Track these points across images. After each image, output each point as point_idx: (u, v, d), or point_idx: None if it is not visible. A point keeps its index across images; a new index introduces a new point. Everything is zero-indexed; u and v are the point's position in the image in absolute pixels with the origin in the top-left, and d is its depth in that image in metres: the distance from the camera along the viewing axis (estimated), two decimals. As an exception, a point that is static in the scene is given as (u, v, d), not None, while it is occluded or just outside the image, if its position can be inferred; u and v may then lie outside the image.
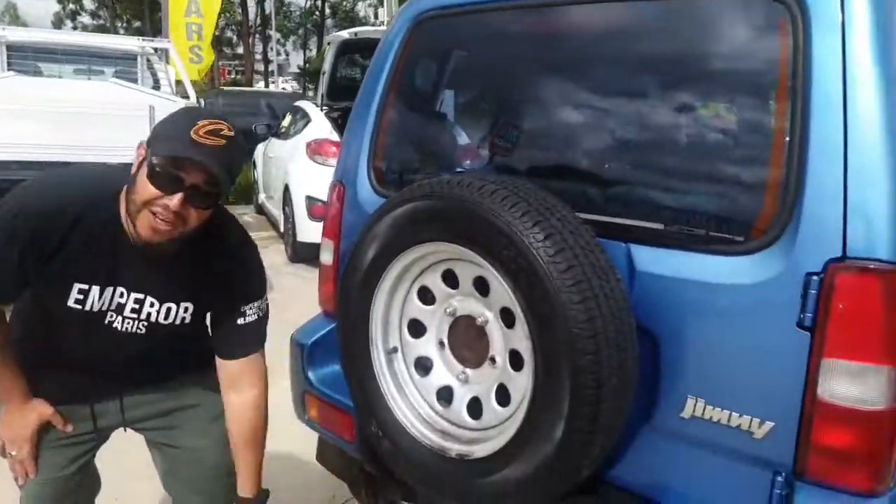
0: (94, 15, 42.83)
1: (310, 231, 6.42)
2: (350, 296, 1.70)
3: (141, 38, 6.55)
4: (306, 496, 2.80)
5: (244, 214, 9.73)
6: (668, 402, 1.43)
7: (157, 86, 6.69)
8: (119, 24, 42.07)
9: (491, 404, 1.54)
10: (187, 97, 6.32)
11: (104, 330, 1.55)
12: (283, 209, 7.13)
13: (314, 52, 42.82)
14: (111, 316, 1.54)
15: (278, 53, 36.72)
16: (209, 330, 1.69)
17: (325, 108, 6.94)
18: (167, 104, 4.86)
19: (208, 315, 1.67)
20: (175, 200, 1.35)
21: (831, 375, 1.23)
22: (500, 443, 1.47)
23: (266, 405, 1.68)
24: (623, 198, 1.58)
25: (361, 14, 45.44)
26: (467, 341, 1.59)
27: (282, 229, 7.45)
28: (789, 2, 1.29)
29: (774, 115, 1.36)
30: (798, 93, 1.26)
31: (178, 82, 6.88)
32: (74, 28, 42.97)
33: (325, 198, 6.92)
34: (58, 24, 42.55)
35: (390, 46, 2.00)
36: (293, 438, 3.20)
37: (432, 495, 1.62)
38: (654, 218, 1.48)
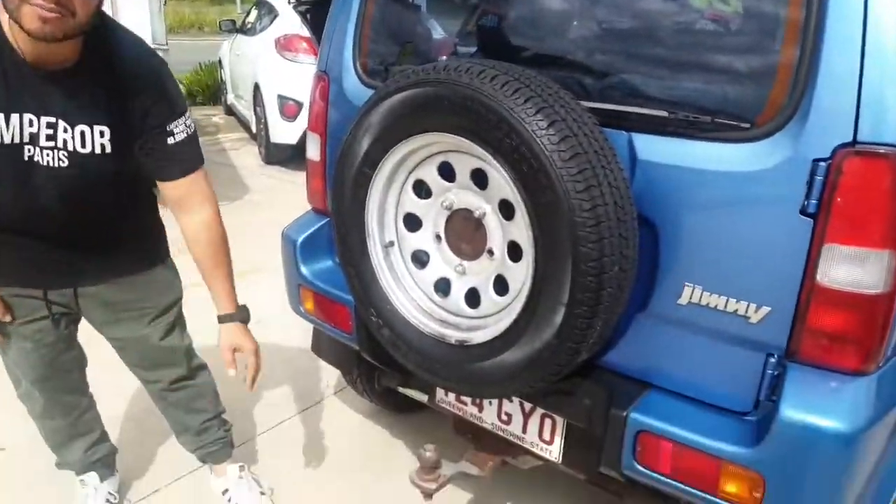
0: None
1: (283, 131, 6.26)
2: (344, 191, 1.66)
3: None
4: (301, 386, 2.86)
5: (213, 116, 9.43)
6: (665, 290, 1.45)
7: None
8: None
9: (489, 294, 1.54)
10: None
11: (28, 168, 1.51)
12: (255, 109, 6.90)
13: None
14: (29, 150, 1.49)
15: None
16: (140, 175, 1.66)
17: (292, 1, 6.60)
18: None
19: (136, 150, 1.60)
20: None
21: (831, 260, 1.24)
22: (499, 329, 1.49)
23: (218, 221, 1.71)
24: (624, 84, 1.53)
25: None
26: (464, 234, 1.57)
27: (254, 130, 7.25)
28: None
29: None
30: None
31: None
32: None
33: (297, 96, 6.71)
34: None
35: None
36: (285, 331, 3.26)
37: (432, 379, 1.65)
38: (656, 105, 1.44)
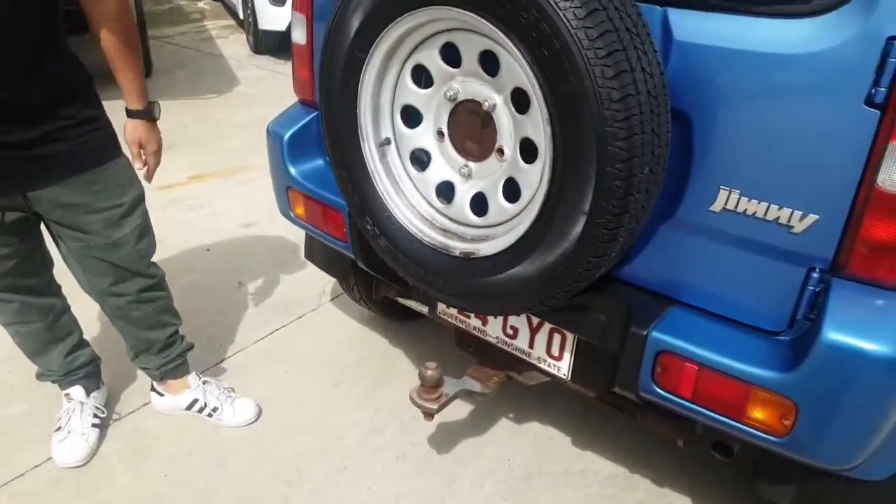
0: None
1: (272, 17, 5.89)
2: (333, 80, 1.46)
3: None
4: (296, 292, 2.74)
5: (199, 1, 8.90)
6: (697, 195, 1.29)
7: None
8: None
9: (497, 200, 1.38)
10: None
11: None
12: (242, -7, 6.46)
13: None
14: None
15: None
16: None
17: None
18: None
19: None
20: None
21: (896, 161, 1.07)
22: (509, 241, 1.34)
23: (128, 14, 1.64)
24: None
25: None
26: (471, 131, 1.39)
27: (241, 16, 6.82)
28: None
29: None
30: None
31: None
32: None
33: (286, -21, 6.19)
34: None
35: None
36: (278, 234, 3.12)
37: (434, 294, 1.52)
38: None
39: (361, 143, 1.50)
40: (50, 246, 1.82)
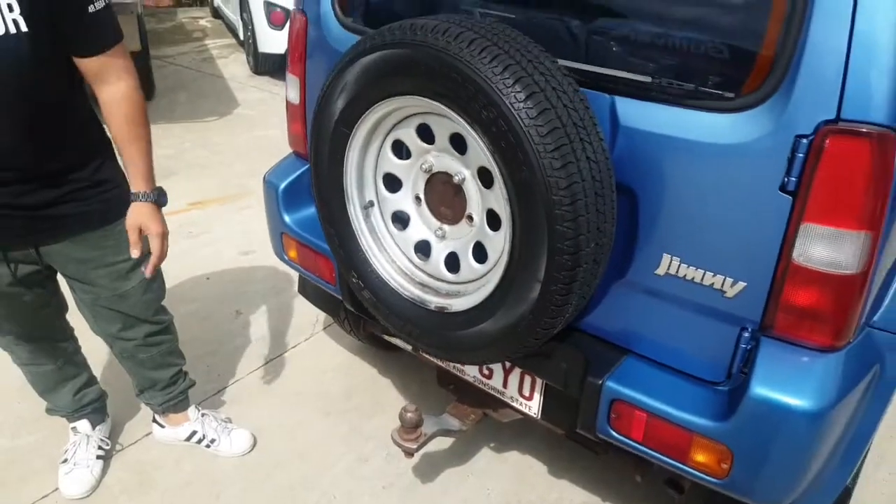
0: None
1: (271, 41, 6.05)
2: (322, 151, 1.62)
3: None
4: (290, 321, 2.90)
5: (200, 19, 9.08)
6: (644, 259, 1.44)
7: None
8: None
9: (468, 260, 1.54)
10: None
11: None
12: (241, 16, 6.63)
13: None
14: None
15: None
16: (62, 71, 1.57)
17: None
18: None
19: (53, 23, 1.49)
20: None
21: (808, 239, 1.23)
22: (478, 298, 1.49)
23: (139, 95, 1.65)
24: (609, 47, 1.46)
25: None
26: (444, 198, 1.55)
27: (241, 37, 6.99)
28: None
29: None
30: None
31: None
32: None
33: (284, 3, 6.46)
34: None
35: None
36: (275, 262, 3.26)
37: (413, 343, 1.67)
38: (641, 70, 1.38)
39: (347, 205, 1.66)
40: (65, 288, 1.96)
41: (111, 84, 1.60)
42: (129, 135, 1.64)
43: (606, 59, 1.46)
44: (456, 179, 1.47)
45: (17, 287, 1.75)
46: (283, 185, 2.10)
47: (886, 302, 1.48)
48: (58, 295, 1.93)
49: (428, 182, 1.56)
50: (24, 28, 1.43)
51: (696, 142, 1.30)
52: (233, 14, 7.23)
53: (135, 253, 1.70)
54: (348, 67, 1.46)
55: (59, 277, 1.89)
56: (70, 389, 2.05)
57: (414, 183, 1.59)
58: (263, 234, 3.09)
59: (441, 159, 1.50)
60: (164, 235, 1.72)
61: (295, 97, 2.04)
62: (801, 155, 1.19)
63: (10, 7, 1.41)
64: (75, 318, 2.04)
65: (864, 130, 1.13)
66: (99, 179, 1.71)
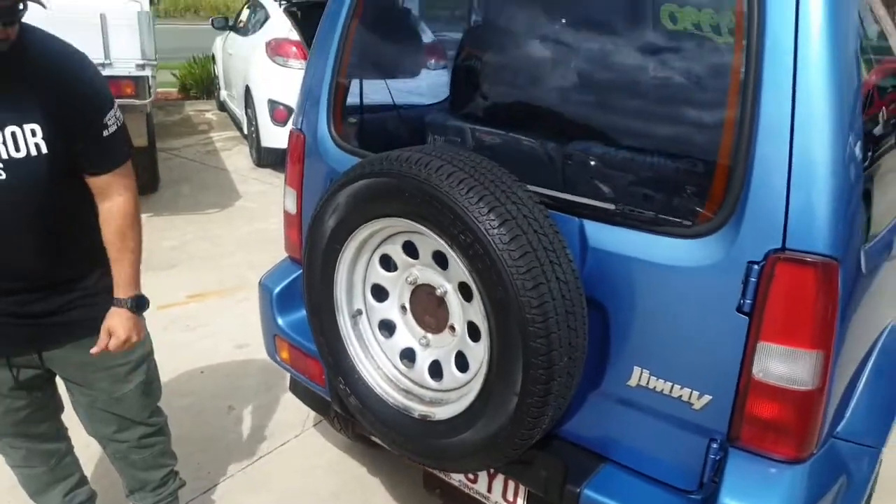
0: None
1: (274, 136, 6.29)
2: (314, 266, 1.72)
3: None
4: (280, 417, 2.94)
5: (206, 112, 9.44)
6: (616, 371, 1.52)
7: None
8: None
9: (451, 369, 1.61)
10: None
11: None
12: (246, 111, 6.92)
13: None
14: None
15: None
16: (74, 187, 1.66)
17: (283, 3, 6.60)
18: (118, 5, 4.51)
19: (70, 146, 1.59)
20: None
21: (766, 357, 1.31)
22: (460, 407, 1.56)
23: (134, 210, 1.73)
24: (576, 175, 1.59)
25: None
26: (428, 308, 1.64)
27: (245, 130, 7.27)
28: None
29: (725, 107, 1.37)
30: (749, 87, 1.26)
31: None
32: None
33: (287, 101, 6.75)
34: None
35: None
36: (267, 356, 3.32)
37: (398, 451, 1.73)
38: (606, 198, 1.50)
39: (337, 314, 1.75)
40: (61, 388, 2.01)
41: (111, 199, 1.70)
42: (119, 245, 1.72)
43: (576, 183, 1.59)
44: (439, 292, 1.57)
45: (18, 391, 1.81)
46: (277, 289, 2.20)
47: (848, 413, 1.55)
48: (55, 397, 1.99)
49: (413, 293, 1.66)
50: (44, 150, 1.54)
51: (659, 264, 1.41)
52: (238, 109, 7.54)
53: (93, 350, 1.74)
54: (340, 191, 1.59)
55: (57, 378, 1.94)
56: (61, 491, 2.07)
57: (400, 293, 1.68)
58: (258, 327, 3.16)
59: (425, 273, 1.60)
60: (126, 341, 1.76)
61: (292, 208, 2.16)
62: (753, 280, 1.29)
63: (33, 132, 1.52)
64: (69, 413, 2.07)
65: (808, 259, 1.24)
66: (103, 286, 1.78)
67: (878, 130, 1.73)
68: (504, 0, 2.10)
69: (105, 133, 1.62)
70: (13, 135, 1.51)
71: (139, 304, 1.78)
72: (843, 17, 1.28)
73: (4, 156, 1.51)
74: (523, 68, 1.99)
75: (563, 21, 1.86)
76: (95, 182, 1.68)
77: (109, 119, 1.62)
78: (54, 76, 1.54)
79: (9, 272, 1.64)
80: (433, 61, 3.25)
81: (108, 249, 1.74)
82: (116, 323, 1.75)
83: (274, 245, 4.44)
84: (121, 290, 1.75)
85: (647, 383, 1.48)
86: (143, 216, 1.84)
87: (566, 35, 1.86)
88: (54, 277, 1.70)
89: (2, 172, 1.51)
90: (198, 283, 4.21)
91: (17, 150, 1.51)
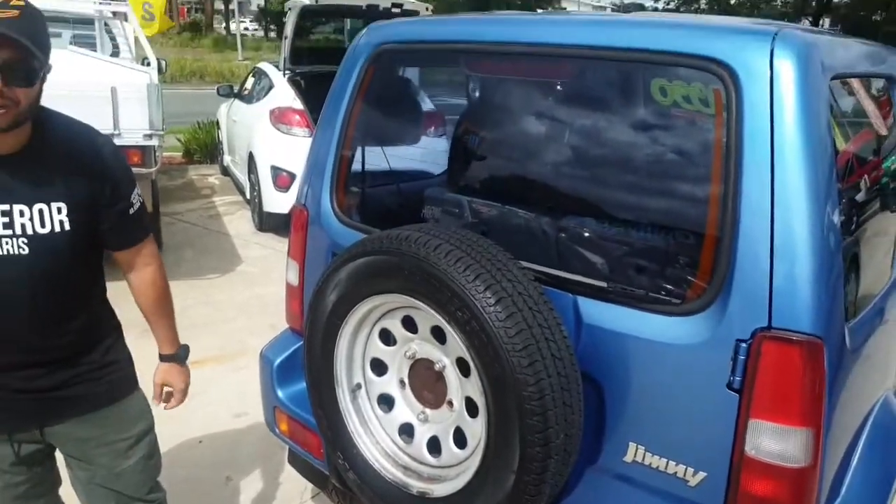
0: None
1: (276, 201, 6.40)
2: (315, 335, 1.76)
3: (98, 2, 6.28)
4: (277, 490, 2.91)
5: (209, 176, 9.60)
6: (612, 446, 1.54)
7: (116, 51, 6.48)
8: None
9: (449, 445, 1.63)
10: (147, 61, 6.14)
11: None
12: (249, 177, 7.06)
13: (276, -8, 41.44)
14: None
15: (239, -8, 35.45)
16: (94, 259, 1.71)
17: (287, 72, 6.82)
18: (129, 79, 4.70)
19: (94, 223, 1.64)
20: None
21: (757, 434, 1.34)
22: (458, 485, 1.57)
23: (164, 277, 1.83)
24: (570, 253, 1.65)
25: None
26: (427, 383, 1.67)
27: (248, 196, 7.40)
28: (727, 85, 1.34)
29: (709, 190, 1.43)
30: (730, 174, 1.33)
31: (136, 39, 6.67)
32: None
33: (290, 168, 6.89)
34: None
35: (348, 76, 2.00)
36: (264, 426, 3.32)
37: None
38: (599, 275, 1.55)
39: (336, 388, 1.78)
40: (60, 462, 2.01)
41: (140, 270, 1.77)
42: (158, 312, 1.83)
43: (570, 257, 1.64)
44: (437, 367, 1.61)
45: (19, 466, 1.80)
46: (278, 361, 2.23)
47: (843, 489, 1.56)
48: (54, 471, 1.97)
49: (412, 367, 1.70)
50: (67, 227, 1.58)
51: (652, 340, 1.45)
52: (241, 174, 7.69)
53: (155, 402, 1.87)
54: (342, 267, 1.64)
55: (57, 453, 1.95)
56: None
57: (399, 368, 1.72)
58: (257, 395, 3.16)
59: (424, 347, 1.64)
60: (186, 389, 1.90)
61: (294, 279, 2.21)
62: (742, 357, 1.33)
63: (59, 210, 1.57)
64: (64, 488, 2.07)
65: (794, 338, 1.28)
66: (109, 360, 1.80)
67: (860, 198, 1.80)
68: (499, 78, 2.20)
69: (131, 211, 1.68)
70: (40, 212, 1.55)
71: (186, 354, 1.90)
72: (815, 95, 1.35)
73: (30, 231, 1.54)
74: (518, 144, 2.08)
75: (555, 98, 1.95)
76: (123, 256, 1.74)
77: (134, 198, 1.69)
78: (81, 159, 1.60)
79: (19, 346, 1.66)
80: (432, 129, 3.36)
81: (148, 315, 1.83)
82: (172, 377, 1.86)
83: (274, 310, 4.48)
84: (165, 348, 1.86)
85: (643, 459, 1.49)
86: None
87: (559, 111, 1.95)
88: (63, 351, 1.72)
89: (25, 247, 1.55)
90: (198, 350, 4.14)
91: (43, 226, 1.56)
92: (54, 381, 1.72)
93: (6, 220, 1.52)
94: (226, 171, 9.25)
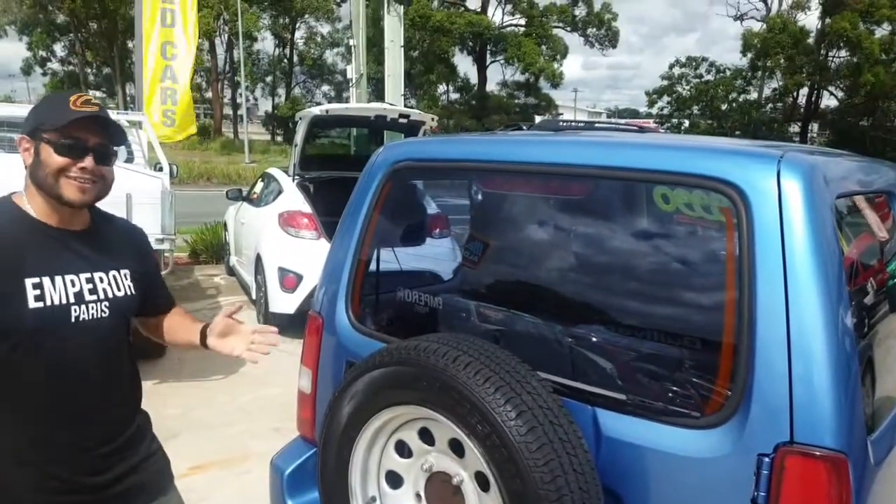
0: (63, 62, 42.71)
1: (282, 302, 6.44)
2: (329, 447, 1.75)
3: (116, 111, 6.58)
4: None
5: (215, 276, 9.69)
6: (635, 563, 1.50)
7: (130, 157, 6.71)
8: (89, 71, 42.02)
9: (467, 565, 1.59)
10: (160, 166, 6.35)
11: (70, 331, 1.57)
12: (256, 278, 7.13)
13: (282, 99, 43.26)
14: (75, 310, 1.58)
15: (247, 99, 37.04)
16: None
17: (296, 177, 7.03)
18: (143, 185, 4.86)
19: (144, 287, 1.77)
20: (88, 161, 1.55)
21: (785, 552, 1.31)
22: None
23: (183, 311, 1.98)
24: (588, 366, 1.67)
25: (329, 61, 46.24)
26: (444, 497, 1.64)
27: (253, 296, 7.44)
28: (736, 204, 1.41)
29: (724, 302, 1.47)
30: (744, 285, 1.38)
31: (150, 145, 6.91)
32: (44, 74, 42.79)
33: (297, 269, 6.95)
34: (27, 69, 42.29)
35: (366, 191, 2.09)
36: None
37: None
38: (618, 387, 1.56)
39: (351, 500, 1.75)
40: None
41: (168, 315, 1.91)
42: (185, 315, 1.96)
43: (587, 370, 1.66)
44: (455, 481, 1.59)
45: None
46: (288, 470, 2.19)
47: None
48: None
49: (428, 480, 1.67)
50: (132, 291, 1.71)
51: (671, 454, 1.45)
52: (247, 274, 7.77)
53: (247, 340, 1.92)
54: (359, 378, 1.66)
55: None
56: None
57: (415, 481, 1.69)
58: (261, 501, 3.09)
59: (441, 460, 1.62)
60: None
61: (307, 387, 2.22)
62: (765, 472, 1.32)
63: (126, 275, 1.70)
64: None
65: (817, 454, 1.28)
66: (154, 449, 1.82)
67: (868, 301, 1.83)
68: (513, 194, 2.27)
69: (162, 272, 1.87)
70: (114, 277, 1.68)
71: None
72: (821, 210, 1.41)
73: (110, 295, 1.66)
74: (535, 256, 2.13)
75: (570, 213, 2.02)
76: (154, 321, 1.90)
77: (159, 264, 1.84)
78: (131, 236, 1.81)
79: (90, 419, 1.65)
80: (437, 231, 3.46)
81: (177, 328, 1.92)
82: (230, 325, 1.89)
83: (277, 413, 4.42)
84: (201, 325, 1.90)
85: (668, 578, 1.45)
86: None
87: (574, 226, 2.02)
88: (124, 435, 1.72)
89: (106, 310, 1.65)
90: (200, 454, 4.13)
91: (119, 289, 1.68)
92: (114, 475, 1.69)
93: (91, 286, 1.63)
94: (231, 272, 9.35)
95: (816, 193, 1.40)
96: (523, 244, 2.04)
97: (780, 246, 1.36)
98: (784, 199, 1.38)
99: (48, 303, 1.54)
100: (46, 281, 1.55)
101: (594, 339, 1.74)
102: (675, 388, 1.53)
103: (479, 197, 2.29)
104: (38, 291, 1.53)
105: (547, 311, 1.93)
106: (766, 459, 1.32)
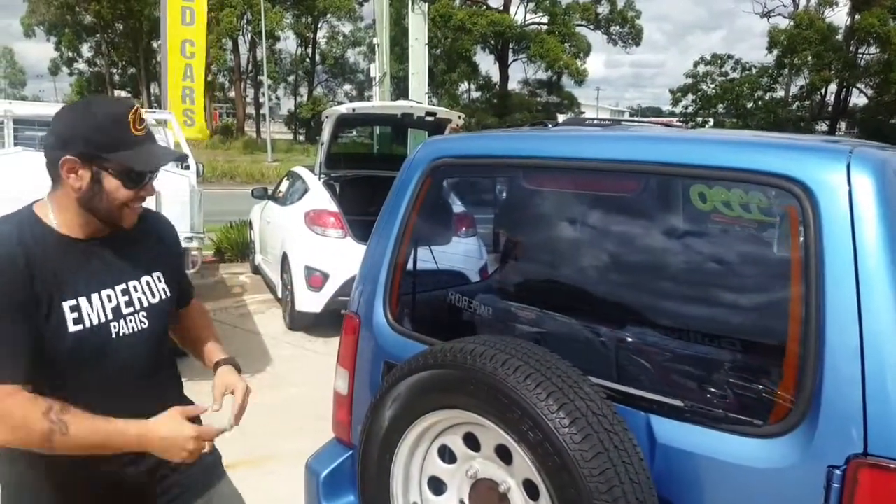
0: (90, 62, 43.32)
1: (308, 300, 6.43)
2: (370, 452, 1.71)
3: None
4: None
5: (240, 275, 9.73)
6: (692, 579, 1.44)
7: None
8: (115, 71, 42.58)
9: (513, 575, 1.53)
10: (187, 165, 6.36)
11: (112, 347, 1.53)
12: (282, 276, 7.13)
13: (304, 98, 43.50)
14: (115, 326, 1.54)
15: (269, 98, 37.26)
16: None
17: (322, 176, 7.02)
18: (172, 183, 4.86)
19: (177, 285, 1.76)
20: (148, 187, 1.54)
21: (860, 569, 1.24)
22: None
23: (205, 309, 1.99)
24: (644, 370, 1.60)
25: (351, 60, 46.42)
26: (489, 505, 1.59)
27: (279, 295, 7.45)
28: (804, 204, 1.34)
29: (790, 304, 1.40)
30: (811, 287, 1.30)
31: (176, 144, 6.94)
32: (71, 74, 43.45)
33: (323, 268, 6.94)
34: (54, 70, 42.99)
35: (405, 188, 2.04)
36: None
37: None
38: (673, 393, 1.50)
39: (392, 506, 1.71)
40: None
41: (191, 311, 1.89)
42: (208, 328, 1.92)
43: (640, 375, 1.60)
44: (501, 488, 1.53)
45: None
46: (324, 473, 2.15)
47: None
48: None
49: (473, 487, 1.62)
50: (166, 294, 1.68)
51: (732, 464, 1.38)
52: (273, 273, 7.78)
53: (215, 407, 1.77)
54: (402, 381, 1.61)
55: None
56: None
57: (459, 488, 1.64)
58: (288, 501, 3.06)
59: (487, 467, 1.57)
60: (247, 389, 1.84)
61: (343, 388, 2.17)
62: (836, 486, 1.25)
63: (159, 279, 1.67)
64: None
65: (892, 467, 1.21)
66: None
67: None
68: (560, 192, 2.20)
69: (186, 270, 1.77)
70: (148, 283, 1.64)
71: (237, 362, 1.89)
72: (894, 202, 1.33)
73: (146, 304, 1.62)
74: (587, 256, 2.06)
75: (622, 212, 1.94)
76: (184, 311, 1.87)
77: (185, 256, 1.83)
78: (160, 233, 1.75)
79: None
80: (464, 229, 3.41)
81: (199, 337, 1.89)
82: (232, 377, 1.82)
83: (303, 412, 4.39)
84: (219, 355, 1.86)
85: None
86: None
87: (628, 225, 1.94)
88: None
89: (145, 320, 1.61)
90: (227, 454, 4.09)
91: (153, 296, 1.64)
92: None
93: (126, 298, 1.59)
94: (257, 270, 9.37)
95: (890, 189, 1.32)
96: (568, 243, 1.98)
97: (852, 245, 1.29)
98: (855, 195, 1.30)
99: (87, 324, 1.49)
100: (83, 301, 1.49)
101: (647, 343, 1.67)
102: (735, 395, 1.46)
103: (520, 194, 2.23)
104: (76, 315, 1.47)
105: (593, 314, 1.87)
106: (837, 472, 1.25)
